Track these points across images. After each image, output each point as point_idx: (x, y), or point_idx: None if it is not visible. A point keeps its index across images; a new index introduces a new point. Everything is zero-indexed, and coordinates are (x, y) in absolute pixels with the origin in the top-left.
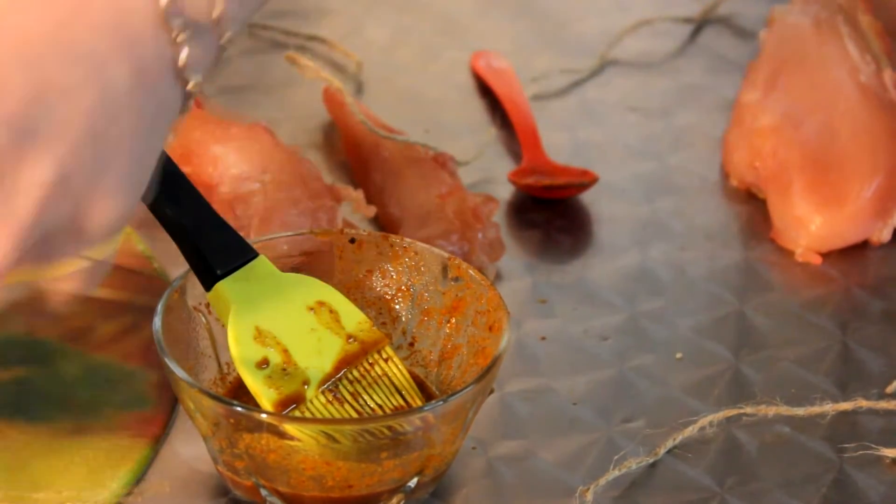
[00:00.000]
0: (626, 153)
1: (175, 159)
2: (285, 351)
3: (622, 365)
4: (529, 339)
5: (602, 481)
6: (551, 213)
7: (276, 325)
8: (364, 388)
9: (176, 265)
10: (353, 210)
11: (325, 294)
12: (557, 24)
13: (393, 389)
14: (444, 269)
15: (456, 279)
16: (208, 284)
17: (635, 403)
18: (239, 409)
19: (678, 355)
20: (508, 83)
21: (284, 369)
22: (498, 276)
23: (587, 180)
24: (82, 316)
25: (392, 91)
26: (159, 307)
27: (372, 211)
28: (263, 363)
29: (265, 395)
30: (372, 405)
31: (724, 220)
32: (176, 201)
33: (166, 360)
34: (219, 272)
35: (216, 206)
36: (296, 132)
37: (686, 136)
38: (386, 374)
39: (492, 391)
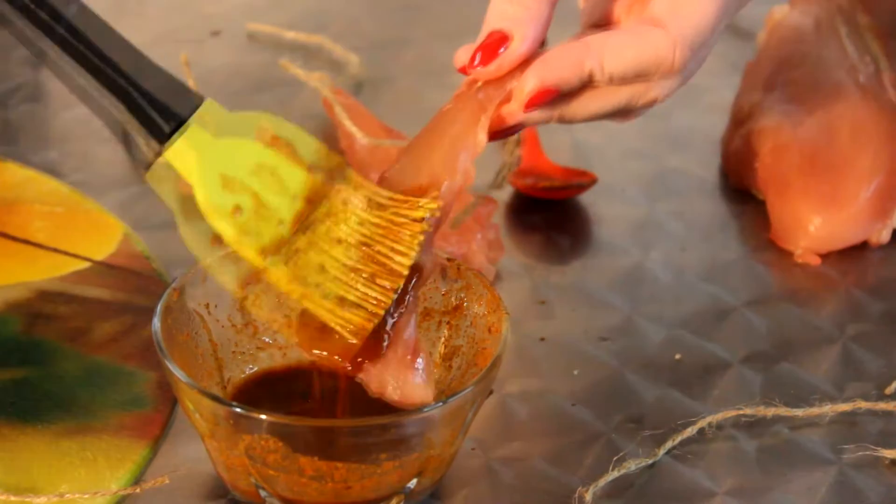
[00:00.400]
0: (626, 154)
1: None
2: (255, 194)
3: (622, 366)
4: (529, 340)
5: (601, 482)
6: (550, 214)
7: (240, 169)
8: (338, 222)
9: (176, 265)
10: None
11: (276, 127)
12: (557, 24)
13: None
14: (444, 270)
15: (455, 280)
16: (161, 141)
17: (634, 404)
18: (238, 409)
19: (678, 356)
20: None
21: (257, 213)
22: (497, 277)
23: (586, 181)
24: (81, 316)
25: (392, 91)
26: (158, 308)
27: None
28: (237, 211)
29: (248, 243)
30: (351, 240)
31: (723, 221)
32: (105, 53)
33: (165, 360)
34: (171, 127)
35: None
36: None
37: (685, 137)
38: (353, 202)
39: (491, 392)
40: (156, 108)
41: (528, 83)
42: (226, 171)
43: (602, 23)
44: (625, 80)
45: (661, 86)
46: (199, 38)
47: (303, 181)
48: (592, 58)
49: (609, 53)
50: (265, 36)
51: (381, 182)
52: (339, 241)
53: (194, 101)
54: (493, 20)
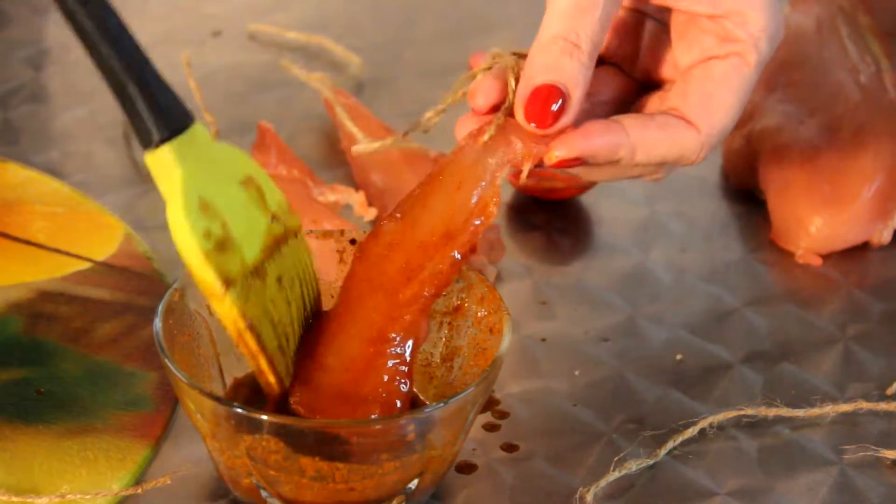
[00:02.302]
0: None
1: None
2: (224, 224)
3: (622, 366)
4: (530, 341)
5: (602, 483)
6: (551, 215)
7: (217, 196)
8: (286, 279)
9: (176, 266)
10: (355, 212)
11: (252, 169)
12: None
13: (303, 283)
14: None
15: (456, 281)
16: (146, 145)
17: (635, 405)
18: (239, 410)
19: (678, 356)
20: None
21: (223, 244)
22: (498, 278)
23: (587, 182)
24: (82, 316)
25: (392, 91)
26: (160, 308)
27: (373, 213)
28: (206, 236)
29: (211, 269)
30: (291, 298)
31: (724, 221)
32: (120, 45)
33: (167, 361)
34: (161, 135)
35: None
36: (296, 132)
37: None
38: (300, 266)
39: (492, 394)
40: (151, 113)
41: (563, 150)
42: (204, 194)
43: (625, 66)
44: (647, 167)
45: (671, 169)
46: (200, 38)
47: (265, 228)
48: (627, 147)
49: (642, 147)
50: (266, 36)
51: (380, 230)
52: (289, 303)
53: (188, 119)
54: (546, 72)
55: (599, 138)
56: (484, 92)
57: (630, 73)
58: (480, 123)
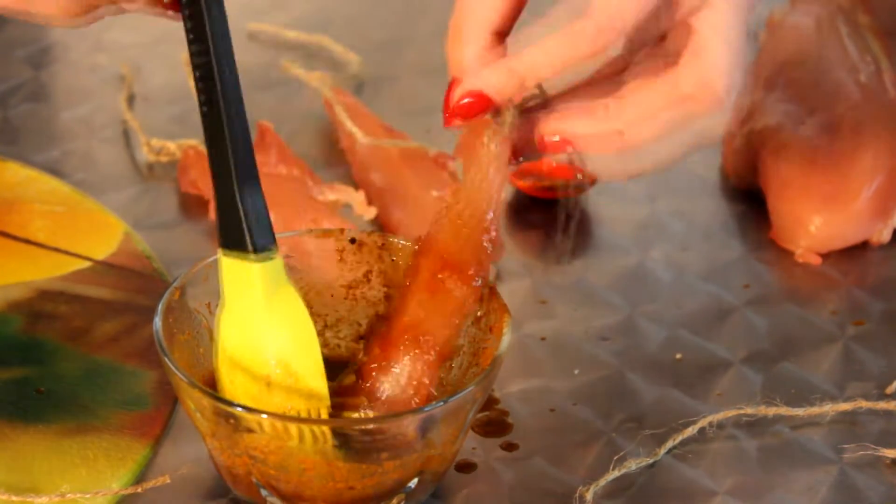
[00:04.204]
0: None
1: None
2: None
3: (622, 365)
4: (530, 340)
5: (602, 482)
6: (551, 214)
7: (267, 342)
8: None
9: (177, 265)
10: (355, 211)
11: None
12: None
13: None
14: None
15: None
16: (231, 247)
17: (635, 404)
18: (239, 409)
19: (678, 355)
20: None
21: (249, 371)
22: (498, 277)
23: (587, 181)
24: (82, 315)
25: (392, 91)
26: (160, 307)
27: (372, 212)
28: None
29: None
30: None
31: (723, 220)
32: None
33: (167, 360)
34: (255, 250)
35: None
36: (296, 132)
37: None
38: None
39: (492, 393)
40: (247, 225)
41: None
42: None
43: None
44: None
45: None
46: None
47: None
48: (614, 106)
49: (635, 106)
50: (266, 36)
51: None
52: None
53: (275, 245)
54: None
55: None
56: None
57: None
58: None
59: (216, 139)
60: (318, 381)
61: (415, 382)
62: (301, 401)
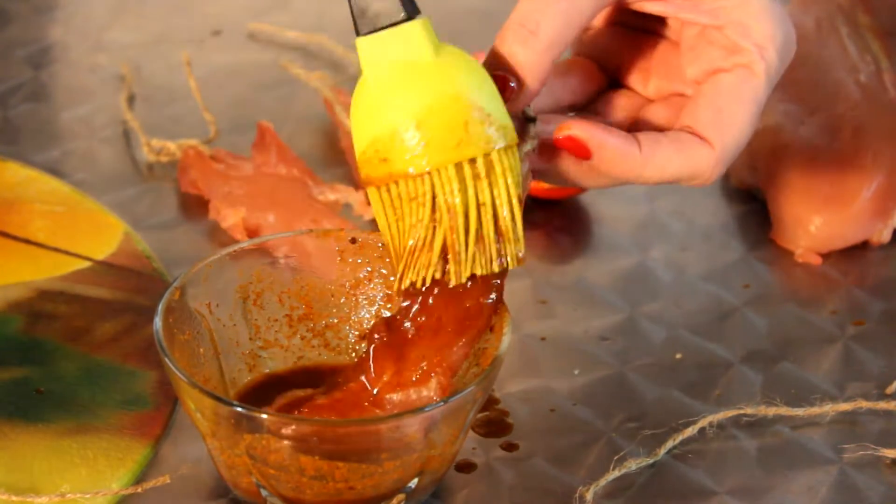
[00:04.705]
0: None
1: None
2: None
3: (622, 365)
4: (530, 340)
5: (602, 482)
6: (551, 214)
7: (453, 87)
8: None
9: (177, 264)
10: (355, 211)
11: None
12: None
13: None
14: None
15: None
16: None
17: (635, 404)
18: (240, 408)
19: (678, 355)
20: None
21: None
22: None
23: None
24: (82, 315)
25: None
26: (160, 307)
27: (372, 212)
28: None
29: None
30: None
31: (723, 221)
32: None
33: (167, 359)
34: (405, 12)
35: None
36: (296, 132)
37: None
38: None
39: (492, 393)
40: None
41: (577, 130)
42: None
43: (639, 86)
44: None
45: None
46: (200, 37)
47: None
48: (637, 160)
49: (653, 163)
50: (266, 36)
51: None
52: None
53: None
54: (497, 62)
55: (614, 138)
56: None
57: (644, 93)
58: None
59: None
60: (505, 115)
61: (425, 397)
62: (499, 133)
